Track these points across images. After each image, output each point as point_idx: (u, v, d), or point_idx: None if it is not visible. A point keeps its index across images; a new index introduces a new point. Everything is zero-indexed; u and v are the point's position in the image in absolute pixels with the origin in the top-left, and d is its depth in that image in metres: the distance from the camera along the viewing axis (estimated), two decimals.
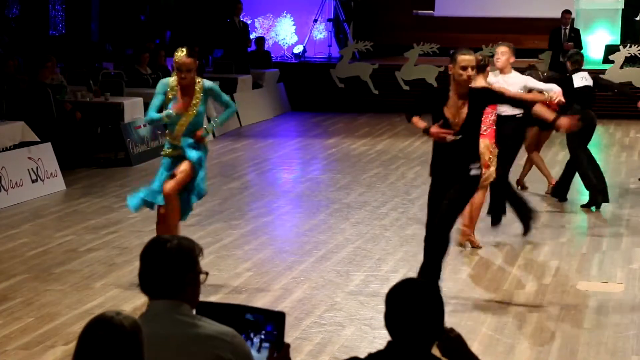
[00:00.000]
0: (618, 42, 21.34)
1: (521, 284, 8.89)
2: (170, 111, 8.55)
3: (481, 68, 9.89)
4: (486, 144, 9.67)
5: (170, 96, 8.59)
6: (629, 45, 19.86)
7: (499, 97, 8.24)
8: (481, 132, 9.80)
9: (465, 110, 7.63)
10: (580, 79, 11.87)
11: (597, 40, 22.09)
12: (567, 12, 20.24)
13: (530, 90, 10.25)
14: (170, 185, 8.64)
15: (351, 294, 8.52)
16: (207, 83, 8.71)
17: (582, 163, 11.88)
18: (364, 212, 11.72)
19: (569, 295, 8.58)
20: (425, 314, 3.59)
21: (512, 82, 10.18)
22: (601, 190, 11.87)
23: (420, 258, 9.64)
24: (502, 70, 10.30)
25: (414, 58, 21.43)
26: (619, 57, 18.74)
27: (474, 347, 6.90)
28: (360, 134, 18.39)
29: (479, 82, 9.84)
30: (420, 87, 21.27)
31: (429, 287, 3.67)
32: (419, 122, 7.79)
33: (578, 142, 11.82)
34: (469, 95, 7.68)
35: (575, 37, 20.07)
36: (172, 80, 8.64)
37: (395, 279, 3.81)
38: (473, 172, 7.69)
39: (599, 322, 7.84)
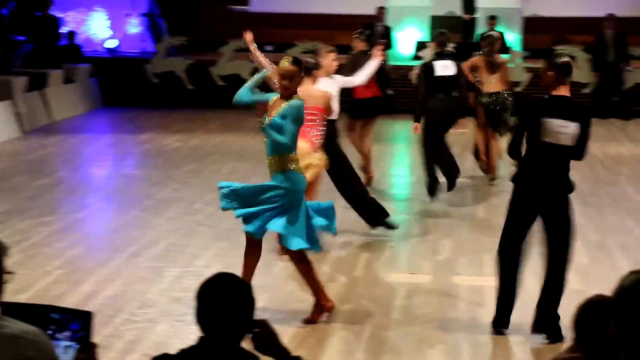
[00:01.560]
0: (428, 39, 21.91)
1: (333, 277, 9.03)
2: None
3: (307, 71, 9.97)
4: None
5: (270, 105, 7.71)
6: None
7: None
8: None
9: None
10: (443, 68, 12.05)
11: (407, 36, 22.63)
12: (381, 9, 20.65)
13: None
14: None
15: (164, 290, 8.48)
16: (295, 101, 7.64)
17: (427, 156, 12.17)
18: (178, 208, 11.67)
19: (379, 286, 8.78)
20: (236, 308, 3.62)
21: (332, 83, 10.42)
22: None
23: (235, 252, 9.71)
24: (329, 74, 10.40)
25: (228, 54, 21.44)
26: (427, 53, 19.17)
27: (286, 340, 6.98)
28: (175, 129, 18.28)
29: (307, 86, 9.90)
30: (236, 82, 21.28)
31: (239, 281, 3.70)
32: None
33: (431, 132, 12.02)
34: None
35: (387, 33, 20.51)
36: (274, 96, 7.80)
37: (209, 274, 3.82)
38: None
39: (407, 312, 8.05)
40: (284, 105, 7.59)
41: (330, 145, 9.82)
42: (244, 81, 22.55)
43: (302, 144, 9.62)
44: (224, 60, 21.44)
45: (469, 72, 13.51)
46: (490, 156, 13.57)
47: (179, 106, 21.13)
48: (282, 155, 7.63)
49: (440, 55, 12.23)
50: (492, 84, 13.33)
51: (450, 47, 18.72)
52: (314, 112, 9.45)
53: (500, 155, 13.78)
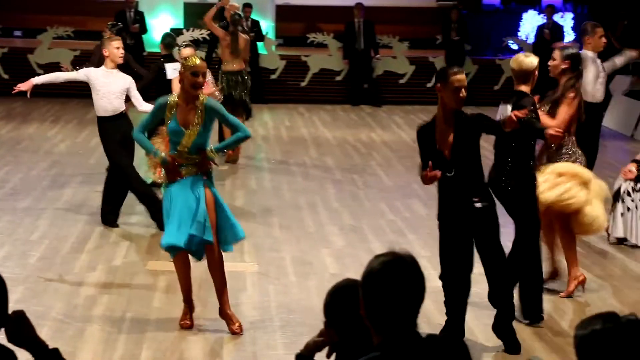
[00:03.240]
0: (182, 26, 21.81)
1: (92, 266, 8.87)
2: (163, 155, 7.32)
3: None
4: None
5: (170, 115, 7.26)
6: (192, 29, 20.36)
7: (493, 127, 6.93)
8: None
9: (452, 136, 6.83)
10: (173, 71, 11.84)
11: (161, 24, 22.45)
12: None
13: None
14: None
15: None
16: (210, 101, 7.37)
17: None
18: None
19: (139, 275, 8.69)
20: None
21: (118, 80, 10.10)
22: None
23: None
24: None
25: (48, 41, 20.57)
26: (182, 40, 19.15)
27: (44, 332, 6.82)
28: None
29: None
30: (56, 69, 20.37)
31: None
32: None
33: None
34: (454, 118, 6.81)
35: (140, 19, 20.29)
36: (172, 98, 7.32)
37: None
38: (477, 205, 6.84)
39: (168, 301, 8.01)
40: (201, 107, 7.21)
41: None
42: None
43: None
44: (43, 47, 20.51)
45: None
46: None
47: None
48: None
49: (168, 58, 12.01)
50: (234, 63, 13.95)
51: (204, 34, 18.83)
52: None
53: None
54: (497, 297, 7.07)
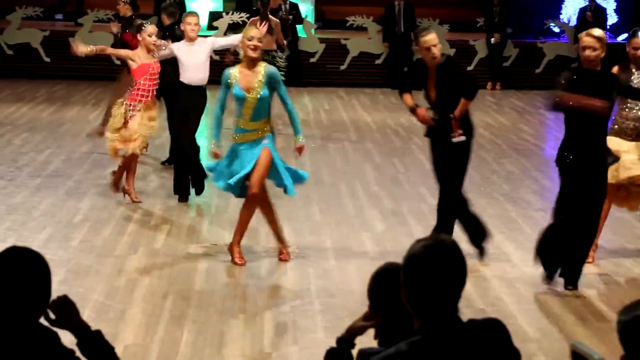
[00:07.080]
0: (221, 9, 21.83)
1: (133, 248, 8.92)
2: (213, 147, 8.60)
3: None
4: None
5: (233, 82, 8.28)
6: (231, 12, 20.36)
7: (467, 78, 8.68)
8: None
9: (434, 86, 8.30)
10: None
11: (200, 7, 22.49)
12: None
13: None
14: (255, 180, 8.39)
15: None
16: (270, 68, 8.44)
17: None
18: None
19: (180, 258, 8.72)
20: (30, 282, 3.53)
21: (199, 50, 10.39)
22: None
23: (29, 226, 9.48)
24: (191, 39, 10.42)
25: (17, 21, 20.74)
26: (222, 23, 19.17)
27: (85, 314, 6.85)
28: None
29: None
30: (26, 51, 20.60)
31: (33, 255, 3.62)
32: (408, 100, 8.47)
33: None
34: (437, 71, 8.25)
35: (181, 3, 20.30)
36: (233, 69, 8.35)
37: (2, 249, 3.73)
38: (454, 140, 8.30)
39: (208, 284, 8.04)
40: (262, 72, 8.24)
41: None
42: (34, 50, 21.52)
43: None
44: (13, 28, 20.69)
45: None
46: None
47: None
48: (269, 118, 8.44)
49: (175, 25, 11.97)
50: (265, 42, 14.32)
51: (244, 17, 18.81)
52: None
53: None
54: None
